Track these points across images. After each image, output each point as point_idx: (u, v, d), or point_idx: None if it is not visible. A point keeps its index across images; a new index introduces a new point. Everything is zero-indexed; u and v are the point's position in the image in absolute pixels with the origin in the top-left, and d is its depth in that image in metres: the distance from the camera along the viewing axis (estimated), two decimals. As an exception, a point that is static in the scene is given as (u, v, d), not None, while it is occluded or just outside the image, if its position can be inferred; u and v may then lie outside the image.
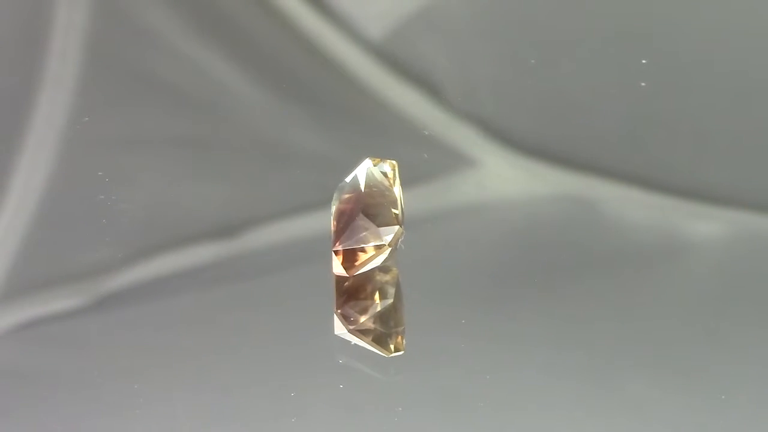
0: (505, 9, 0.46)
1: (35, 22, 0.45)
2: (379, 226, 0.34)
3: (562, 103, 0.43)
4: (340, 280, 0.35)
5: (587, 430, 0.34)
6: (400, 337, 0.35)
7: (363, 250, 0.35)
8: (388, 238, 0.34)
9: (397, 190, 0.36)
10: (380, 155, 0.36)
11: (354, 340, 0.35)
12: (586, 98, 0.43)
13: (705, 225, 0.39)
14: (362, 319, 0.35)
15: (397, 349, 0.35)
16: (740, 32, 0.44)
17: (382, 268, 0.36)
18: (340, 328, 0.35)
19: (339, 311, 0.35)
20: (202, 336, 0.36)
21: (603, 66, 0.44)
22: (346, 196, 0.35)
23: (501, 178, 0.41)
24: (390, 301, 0.35)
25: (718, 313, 0.36)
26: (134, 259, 0.38)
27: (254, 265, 0.38)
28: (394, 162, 0.36)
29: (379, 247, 0.35)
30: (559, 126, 0.42)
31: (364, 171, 0.36)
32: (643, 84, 0.39)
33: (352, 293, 0.35)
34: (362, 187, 0.35)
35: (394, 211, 0.35)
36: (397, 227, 0.35)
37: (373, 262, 0.35)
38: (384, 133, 0.42)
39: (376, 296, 0.35)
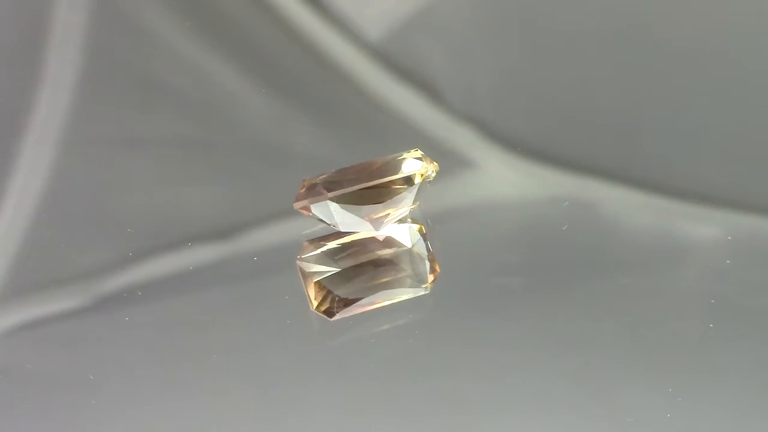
0: (503, 11, 0.46)
1: (34, 23, 0.45)
2: (323, 186, 0.35)
3: (561, 105, 0.43)
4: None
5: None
6: (336, 306, 0.35)
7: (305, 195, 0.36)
8: (312, 198, 0.35)
9: (391, 180, 0.36)
10: (378, 156, 0.36)
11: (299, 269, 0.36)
12: (584, 100, 0.43)
13: (704, 227, 0.39)
14: (310, 260, 0.36)
15: (325, 312, 0.35)
16: (738, 33, 0.44)
17: (376, 254, 0.36)
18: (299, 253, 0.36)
19: (307, 242, 0.36)
20: (200, 337, 0.36)
21: (601, 67, 0.44)
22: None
23: (499, 180, 0.41)
24: (334, 270, 0.36)
25: (716, 315, 0.36)
26: (133, 260, 0.38)
27: (253, 267, 0.38)
28: (432, 167, 0.36)
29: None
30: (558, 128, 0.42)
31: (398, 154, 0.36)
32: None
33: (331, 241, 0.37)
34: (376, 161, 0.36)
35: (350, 183, 0.35)
36: (322, 195, 0.35)
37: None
38: (382, 134, 0.42)
39: (335, 260, 0.36)
